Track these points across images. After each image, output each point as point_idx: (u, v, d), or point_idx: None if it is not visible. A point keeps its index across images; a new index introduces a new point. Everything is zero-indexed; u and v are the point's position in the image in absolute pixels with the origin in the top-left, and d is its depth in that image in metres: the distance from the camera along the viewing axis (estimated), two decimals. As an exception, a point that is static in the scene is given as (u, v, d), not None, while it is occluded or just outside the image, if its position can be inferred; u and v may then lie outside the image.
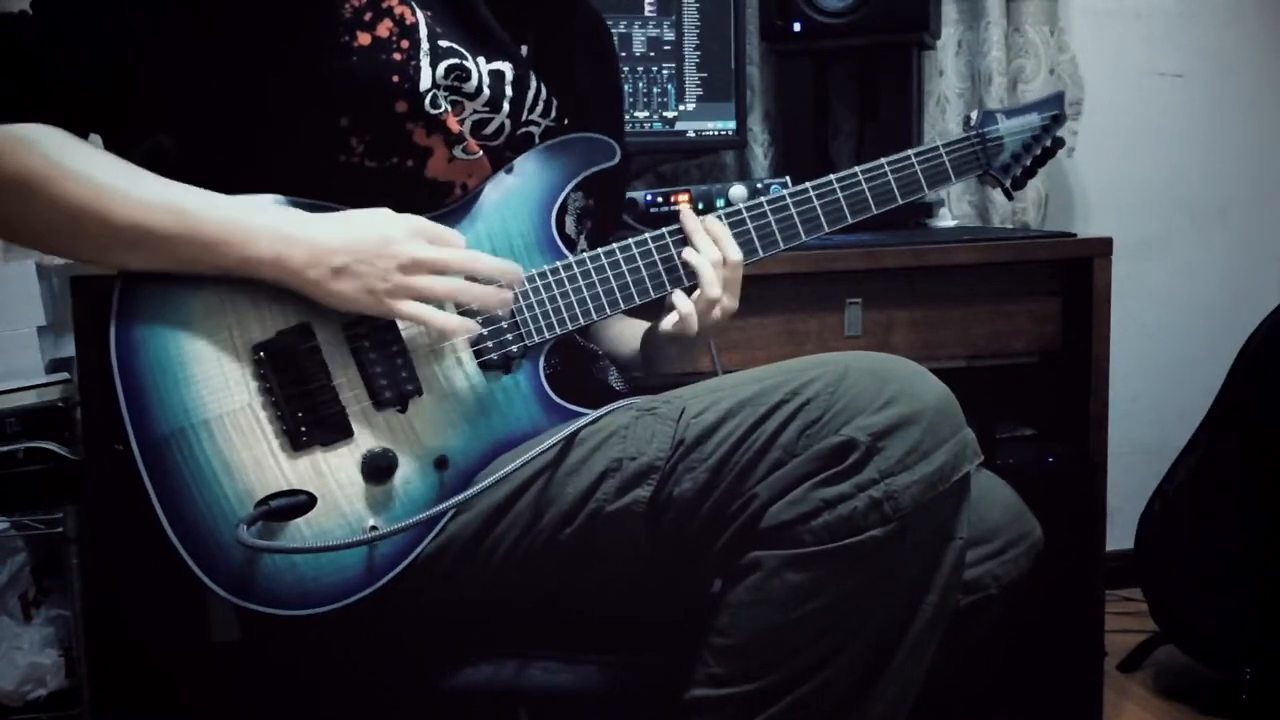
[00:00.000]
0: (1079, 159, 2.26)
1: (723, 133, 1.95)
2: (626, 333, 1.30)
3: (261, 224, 0.97)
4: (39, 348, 1.69)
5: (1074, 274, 1.70)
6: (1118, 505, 1.83)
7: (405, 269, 0.98)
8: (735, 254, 1.12)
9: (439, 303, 1.01)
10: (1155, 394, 2.38)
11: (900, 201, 1.18)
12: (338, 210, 1.01)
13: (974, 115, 1.25)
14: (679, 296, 1.12)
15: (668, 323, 1.14)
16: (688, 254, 1.11)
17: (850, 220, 1.16)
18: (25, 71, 0.95)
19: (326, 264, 0.97)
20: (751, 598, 0.93)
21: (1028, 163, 1.28)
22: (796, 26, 1.90)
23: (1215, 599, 1.81)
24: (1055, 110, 1.27)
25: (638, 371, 1.29)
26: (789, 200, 1.15)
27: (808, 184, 1.16)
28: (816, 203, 1.15)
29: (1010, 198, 1.33)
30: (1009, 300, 1.70)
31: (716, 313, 1.12)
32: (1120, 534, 1.91)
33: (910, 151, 1.19)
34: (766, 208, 1.14)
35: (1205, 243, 2.42)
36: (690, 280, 1.12)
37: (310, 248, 0.97)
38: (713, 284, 1.11)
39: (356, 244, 0.97)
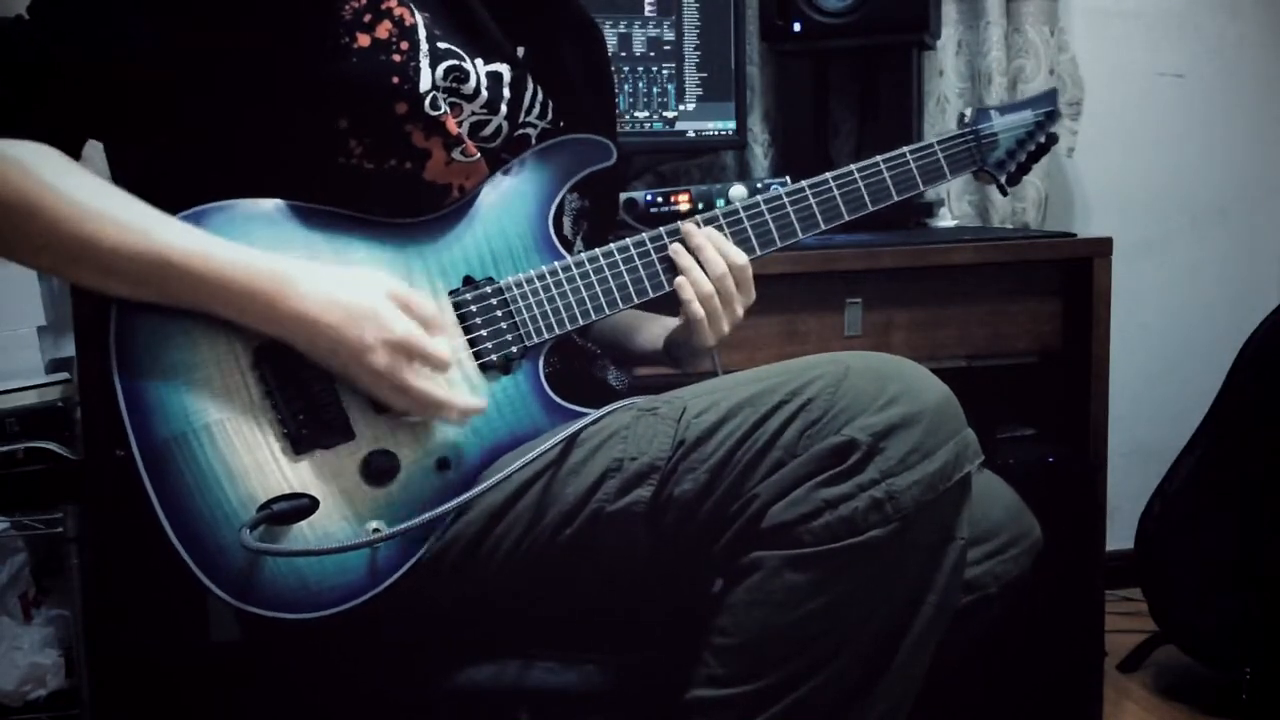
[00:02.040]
0: (1079, 159, 2.26)
1: (723, 133, 1.95)
2: (624, 324, 1.30)
3: (251, 273, 0.95)
4: (39, 348, 1.69)
5: (1074, 274, 1.70)
6: (1118, 505, 1.83)
7: (388, 354, 0.97)
8: (739, 258, 1.12)
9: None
10: (1155, 394, 2.38)
11: (896, 198, 1.18)
12: (340, 214, 1.02)
13: (968, 112, 1.25)
14: (692, 307, 1.11)
15: (682, 331, 1.15)
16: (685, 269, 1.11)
17: (847, 218, 1.17)
18: (22, 77, 0.95)
19: (309, 333, 0.96)
20: (752, 598, 0.93)
21: (1022, 159, 1.28)
22: (796, 26, 1.90)
23: (1215, 599, 1.81)
24: (1049, 106, 1.28)
25: (640, 365, 1.28)
26: (786, 199, 1.15)
27: (804, 182, 1.16)
28: (813, 201, 1.15)
29: (1005, 193, 1.33)
30: (1009, 300, 1.70)
31: (738, 309, 1.13)
32: (1120, 534, 1.91)
33: (906, 149, 1.19)
34: (763, 206, 1.14)
35: (1205, 243, 2.42)
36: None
37: (296, 316, 0.96)
38: (728, 294, 1.12)
39: (341, 322, 0.96)
